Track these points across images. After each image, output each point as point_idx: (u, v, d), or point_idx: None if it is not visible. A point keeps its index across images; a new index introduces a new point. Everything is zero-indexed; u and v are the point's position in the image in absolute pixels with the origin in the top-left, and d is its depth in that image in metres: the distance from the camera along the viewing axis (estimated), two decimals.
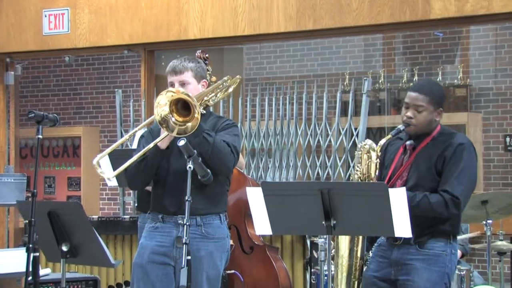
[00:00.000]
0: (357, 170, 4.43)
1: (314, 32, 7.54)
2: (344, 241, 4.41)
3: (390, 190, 3.89)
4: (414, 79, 9.14)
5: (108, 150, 4.35)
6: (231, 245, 4.63)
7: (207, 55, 5.27)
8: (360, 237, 4.46)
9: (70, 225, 4.29)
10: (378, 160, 4.35)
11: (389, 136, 4.30)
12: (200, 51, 5.28)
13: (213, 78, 4.95)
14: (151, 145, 4.26)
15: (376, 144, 4.39)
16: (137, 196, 5.66)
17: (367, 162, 4.38)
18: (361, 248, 4.45)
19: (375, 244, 4.39)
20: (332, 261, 4.46)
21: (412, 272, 4.20)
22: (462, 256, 6.17)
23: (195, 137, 4.15)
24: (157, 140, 4.26)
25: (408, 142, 4.33)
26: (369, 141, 4.36)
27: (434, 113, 4.26)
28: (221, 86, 4.56)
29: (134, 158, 4.26)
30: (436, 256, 4.20)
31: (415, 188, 4.19)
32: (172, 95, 4.11)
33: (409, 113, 4.25)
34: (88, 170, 10.10)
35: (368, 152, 4.35)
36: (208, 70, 5.13)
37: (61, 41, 8.49)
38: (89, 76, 10.44)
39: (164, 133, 4.22)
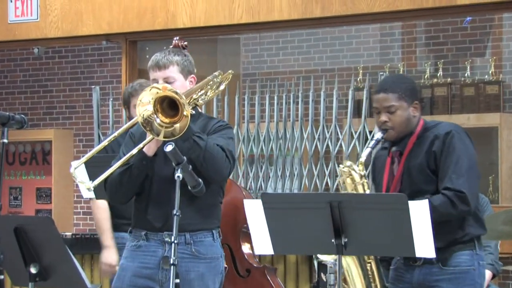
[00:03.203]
0: None
1: (323, 20, 7.55)
2: (358, 278, 4.40)
3: (410, 202, 3.91)
4: (438, 74, 9.15)
5: (88, 155, 4.33)
6: (225, 267, 4.63)
7: (185, 43, 5.08)
8: (374, 268, 4.45)
9: (40, 243, 4.29)
10: (363, 179, 4.34)
11: (368, 149, 4.32)
12: (177, 38, 5.07)
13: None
14: (135, 150, 4.25)
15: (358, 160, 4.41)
16: None
17: (353, 186, 4.39)
18: (380, 281, 4.45)
19: (391, 267, 4.40)
20: (345, 285, 4.47)
21: None
22: (493, 277, 6.18)
23: (184, 141, 4.16)
24: (141, 145, 4.25)
25: (393, 149, 4.37)
26: (348, 163, 4.36)
27: (410, 109, 4.34)
28: (211, 82, 4.55)
29: (116, 166, 4.25)
30: (463, 273, 4.24)
31: (415, 196, 4.15)
32: (157, 92, 4.12)
33: (382, 118, 4.32)
34: (60, 180, 10.09)
35: (350, 174, 4.34)
36: None
37: (29, 30, 8.50)
38: (61, 71, 10.44)
39: (149, 136, 4.22)
